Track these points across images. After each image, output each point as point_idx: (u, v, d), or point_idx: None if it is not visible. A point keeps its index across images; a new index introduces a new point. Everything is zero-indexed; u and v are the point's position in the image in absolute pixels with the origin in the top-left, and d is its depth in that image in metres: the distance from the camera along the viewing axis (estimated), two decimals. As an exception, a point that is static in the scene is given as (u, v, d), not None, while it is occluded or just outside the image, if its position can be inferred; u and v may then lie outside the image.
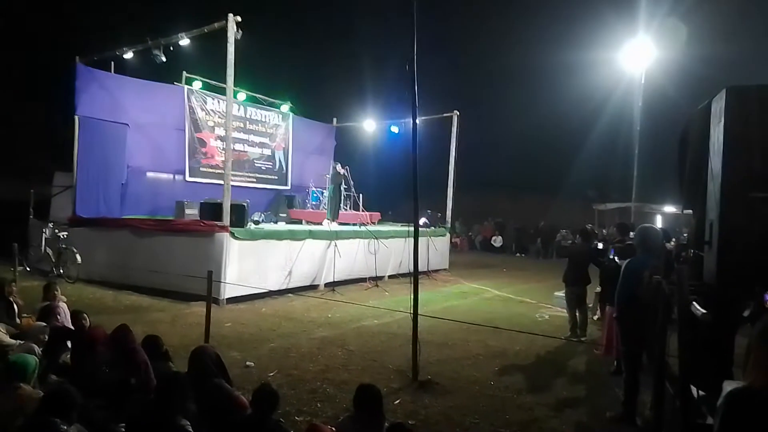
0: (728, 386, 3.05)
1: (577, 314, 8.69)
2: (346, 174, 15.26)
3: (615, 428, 5.10)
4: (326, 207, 15.42)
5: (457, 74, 29.54)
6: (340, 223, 14.74)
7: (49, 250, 12.56)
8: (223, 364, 4.44)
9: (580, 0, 26.84)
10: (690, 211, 5.16)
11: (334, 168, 15.29)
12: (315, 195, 17.53)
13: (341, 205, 15.71)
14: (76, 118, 12.62)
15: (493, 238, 27.02)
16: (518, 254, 25.94)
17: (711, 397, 3.56)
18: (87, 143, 12.75)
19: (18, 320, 6.30)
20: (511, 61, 28.14)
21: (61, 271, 12.06)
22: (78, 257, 11.62)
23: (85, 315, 5.64)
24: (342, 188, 15.36)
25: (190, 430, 3.33)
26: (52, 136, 16.10)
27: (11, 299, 6.42)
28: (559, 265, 9.65)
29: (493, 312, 10.66)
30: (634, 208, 19.20)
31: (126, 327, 4.87)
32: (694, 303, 3.54)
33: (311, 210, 16.64)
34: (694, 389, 3.66)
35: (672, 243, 8.54)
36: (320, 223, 14.47)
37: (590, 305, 8.96)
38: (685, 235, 10.15)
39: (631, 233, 7.61)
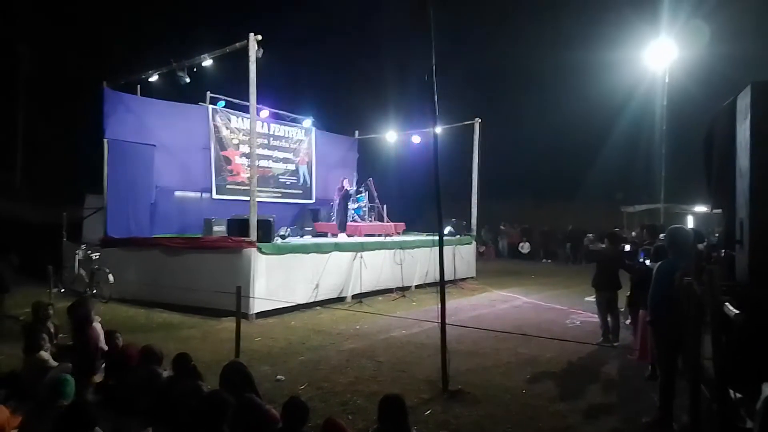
0: (767, 389, 2.98)
1: (609, 319, 8.55)
2: (349, 189, 15.55)
3: (652, 434, 5.00)
4: (335, 220, 15.51)
5: (478, 81, 29.46)
6: (366, 235, 14.80)
7: (82, 271, 12.83)
8: (252, 379, 4.48)
9: (601, 1, 26.55)
10: (720, 210, 5.06)
11: (342, 183, 15.46)
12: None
13: (357, 216, 15.82)
14: (105, 141, 12.95)
15: (521, 244, 26.73)
16: (545, 260, 25.64)
17: (749, 400, 3.48)
18: (116, 165, 13.06)
19: (55, 340, 6.45)
20: (532, 65, 28.03)
21: (95, 291, 12.31)
22: (110, 277, 11.86)
23: (118, 334, 5.75)
24: (347, 203, 15.41)
25: None
26: (83, 159, 16.50)
27: (49, 323, 6.57)
28: (588, 270, 9.52)
29: (523, 319, 10.55)
30: (663, 209, 18.83)
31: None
32: (726, 304, 3.46)
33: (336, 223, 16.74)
34: (731, 392, 3.58)
35: (704, 244, 8.37)
36: (335, 235, 14.61)
37: (622, 310, 8.80)
38: (716, 235, 9.93)
39: (661, 235, 7.48)
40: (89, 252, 12.95)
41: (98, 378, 5.40)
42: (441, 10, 6.72)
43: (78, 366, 5.08)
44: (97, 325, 6.27)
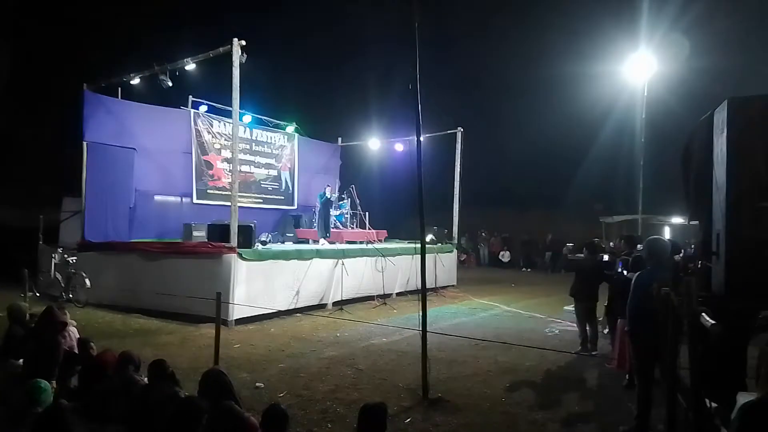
0: (742, 398, 3.03)
1: (588, 328, 8.63)
2: (331, 195, 15.61)
3: (629, 443, 5.05)
4: (317, 226, 15.49)
5: (460, 91, 29.65)
6: (348, 242, 14.78)
7: (58, 275, 12.63)
8: (232, 386, 4.43)
9: (581, 15, 26.93)
10: (696, 222, 5.16)
11: (324, 190, 15.46)
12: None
13: (338, 223, 15.87)
14: (84, 143, 12.78)
15: (501, 253, 26.94)
16: (525, 269, 25.83)
17: (725, 410, 3.54)
18: (95, 168, 12.89)
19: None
20: (514, 76, 28.27)
21: (71, 295, 12.11)
22: (87, 281, 11.67)
23: (92, 344, 5.65)
24: (329, 209, 15.40)
25: None
26: (61, 161, 16.27)
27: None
28: (567, 280, 9.61)
29: (503, 328, 10.60)
30: (641, 220, 19.08)
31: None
32: (703, 314, 3.53)
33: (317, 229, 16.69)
34: (707, 401, 3.64)
35: (680, 255, 8.50)
36: (316, 242, 14.58)
37: (600, 319, 8.90)
38: (692, 246, 10.09)
39: (639, 246, 7.58)
40: (66, 256, 12.76)
41: (73, 384, 5.30)
42: (425, 20, 6.76)
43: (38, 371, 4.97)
44: (72, 330, 6.17)
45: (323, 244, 14.07)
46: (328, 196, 15.29)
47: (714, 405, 3.68)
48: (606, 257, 9.04)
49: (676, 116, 17.10)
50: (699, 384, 3.56)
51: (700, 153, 4.80)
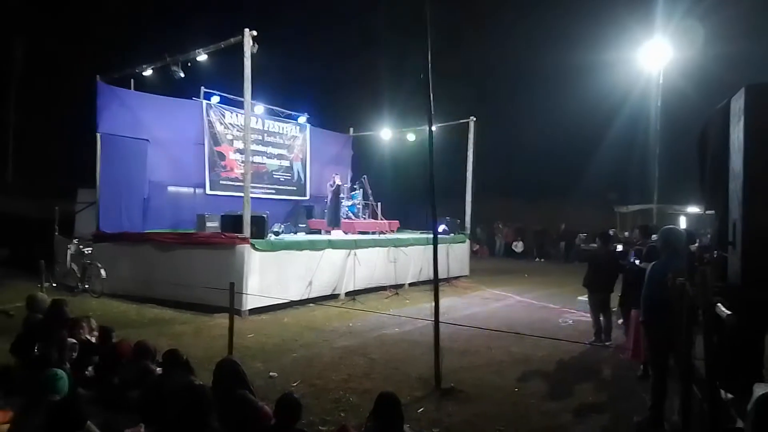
0: (758, 389, 3.00)
1: (601, 319, 8.59)
2: (343, 184, 15.59)
3: (642, 434, 5.03)
4: (327, 216, 15.50)
5: (473, 80, 29.47)
6: (360, 232, 14.79)
7: (74, 266, 12.77)
8: (245, 375, 4.47)
9: (595, 2, 26.59)
10: (712, 211, 5.09)
11: (333, 179, 15.42)
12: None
13: (342, 213, 15.85)
14: (98, 135, 12.86)
15: (514, 243, 26.82)
16: (538, 259, 25.71)
17: (740, 401, 3.51)
18: (109, 160, 12.98)
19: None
20: (527, 65, 28.06)
21: (86, 286, 12.26)
22: (102, 272, 11.81)
23: (113, 333, 5.73)
24: (340, 198, 15.38)
25: None
26: (75, 153, 16.41)
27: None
28: (581, 270, 9.55)
29: (515, 318, 10.58)
30: (656, 209, 18.90)
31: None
32: (718, 305, 3.48)
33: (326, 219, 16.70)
34: (722, 392, 3.60)
35: (696, 244, 8.41)
36: (328, 232, 14.61)
37: (614, 309, 8.84)
38: (708, 236, 9.98)
39: (654, 236, 7.51)
40: (81, 247, 12.89)
41: (89, 373, 5.37)
42: (437, 9, 6.70)
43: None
44: (92, 322, 6.23)
45: (336, 234, 14.08)
46: (339, 184, 15.26)
47: (729, 396, 3.64)
48: (619, 247, 8.97)
49: (692, 104, 16.88)
50: (714, 375, 3.52)
51: (716, 141, 4.73)
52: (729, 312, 3.48)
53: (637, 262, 7.36)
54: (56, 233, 14.55)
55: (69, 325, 5.92)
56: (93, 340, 5.88)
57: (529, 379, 6.69)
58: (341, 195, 15.67)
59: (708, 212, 6.08)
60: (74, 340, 5.57)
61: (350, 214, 16.50)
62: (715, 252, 4.87)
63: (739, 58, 19.29)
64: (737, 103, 4.13)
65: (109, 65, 13.65)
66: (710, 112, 5.03)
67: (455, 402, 5.73)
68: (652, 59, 16.97)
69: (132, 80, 13.52)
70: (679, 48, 17.71)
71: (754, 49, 19.24)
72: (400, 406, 3.94)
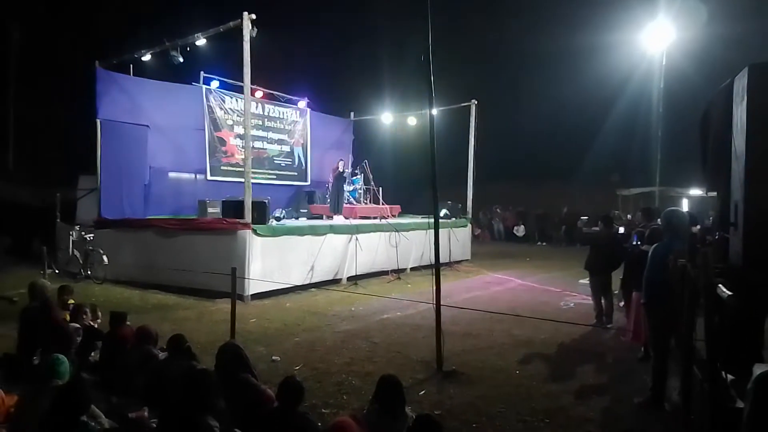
0: (758, 370, 3.00)
1: (603, 301, 8.61)
2: (345, 170, 15.52)
3: (643, 414, 5.06)
4: (329, 201, 15.49)
5: (474, 62, 29.23)
6: (361, 217, 14.79)
7: (76, 253, 12.82)
8: (248, 360, 4.49)
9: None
10: (714, 193, 5.07)
11: (337, 165, 15.42)
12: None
13: (344, 199, 15.80)
14: (98, 121, 12.84)
15: (516, 227, 26.79)
16: (540, 243, 25.69)
17: (741, 381, 3.51)
18: (109, 146, 12.98)
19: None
20: (529, 47, 27.80)
21: (89, 272, 12.30)
22: (104, 258, 11.85)
23: (86, 309, 5.80)
24: (341, 184, 15.36)
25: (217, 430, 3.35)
26: (75, 140, 16.39)
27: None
28: (583, 253, 9.55)
29: (517, 301, 10.61)
30: (658, 192, 18.87)
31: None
32: (720, 286, 3.48)
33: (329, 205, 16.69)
34: (723, 373, 3.61)
35: (698, 227, 8.40)
36: (330, 217, 14.60)
37: (615, 292, 8.85)
38: (711, 218, 9.96)
39: (658, 219, 7.49)
40: (83, 233, 12.92)
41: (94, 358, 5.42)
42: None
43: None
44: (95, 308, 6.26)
45: (338, 220, 14.08)
46: (341, 171, 15.25)
47: (730, 377, 3.65)
48: (621, 230, 8.96)
49: (695, 86, 16.74)
50: (715, 355, 3.53)
51: (719, 122, 4.69)
52: (730, 293, 3.48)
53: (639, 244, 7.35)
54: (58, 220, 14.59)
55: (72, 312, 5.96)
56: (96, 325, 5.91)
57: (530, 361, 6.72)
58: (344, 180, 15.63)
59: (710, 194, 6.06)
60: (77, 325, 5.60)
61: (351, 200, 16.50)
62: (717, 233, 4.85)
63: (743, 37, 19.09)
64: (740, 83, 4.09)
65: (108, 51, 13.56)
66: (713, 92, 4.98)
67: (457, 384, 5.77)
68: (655, 40, 16.83)
69: (131, 66, 13.45)
70: (682, 28, 17.56)
71: (757, 29, 19.04)
72: (402, 388, 3.99)
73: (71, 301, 6.50)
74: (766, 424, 2.23)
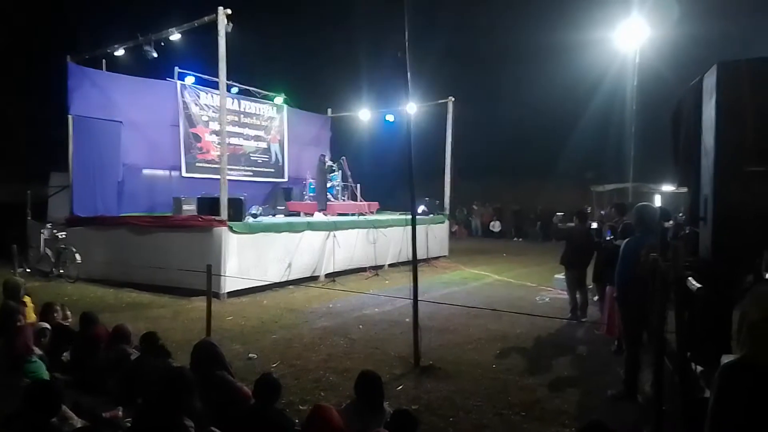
0: (725, 360, 3.08)
1: (578, 296, 8.73)
2: (330, 165, 15.50)
3: (617, 406, 5.14)
4: (317, 198, 15.43)
5: (451, 59, 29.29)
6: (339, 214, 14.75)
7: (48, 251, 12.57)
8: (223, 357, 4.45)
9: (572, -19, 26.51)
10: (685, 188, 5.17)
11: (320, 160, 15.32)
12: (312, 187, 17.48)
13: (329, 195, 15.75)
14: (70, 117, 12.60)
15: (492, 223, 27.02)
16: (516, 239, 25.95)
17: (710, 372, 3.59)
18: (81, 142, 12.75)
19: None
20: (505, 44, 27.92)
21: (61, 271, 12.08)
22: (77, 257, 11.64)
23: (57, 307, 5.69)
24: (328, 178, 15.31)
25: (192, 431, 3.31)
26: (47, 136, 16.05)
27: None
28: (558, 249, 9.67)
29: (494, 296, 10.70)
30: (631, 188, 19.14)
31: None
32: (689, 278, 3.55)
33: (309, 202, 16.60)
34: (693, 365, 3.69)
35: (671, 222, 8.55)
36: (310, 214, 14.54)
37: (590, 286, 8.98)
38: (681, 215, 10.15)
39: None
40: (55, 231, 12.68)
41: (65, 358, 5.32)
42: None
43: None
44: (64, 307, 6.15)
45: (316, 216, 14.02)
46: (330, 164, 15.18)
47: (699, 368, 3.74)
48: (594, 225, 9.09)
49: (667, 83, 17.00)
50: (685, 348, 3.61)
51: (689, 118, 4.78)
52: (699, 286, 3.55)
53: (612, 239, 7.47)
54: (29, 218, 14.29)
55: (42, 310, 5.85)
56: (67, 324, 5.81)
57: (506, 355, 6.79)
58: (330, 173, 15.59)
59: (681, 189, 6.17)
60: (46, 325, 5.50)
61: (329, 196, 16.44)
62: (688, 228, 4.95)
63: (714, 35, 19.45)
64: (710, 80, 4.17)
65: (80, 45, 13.33)
66: (684, 90, 5.08)
67: (434, 379, 5.80)
68: (629, 38, 17.05)
69: (104, 61, 13.24)
70: (655, 26, 17.80)
71: (729, 27, 19.42)
72: (381, 384, 4.00)
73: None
74: (729, 412, 2.28)
